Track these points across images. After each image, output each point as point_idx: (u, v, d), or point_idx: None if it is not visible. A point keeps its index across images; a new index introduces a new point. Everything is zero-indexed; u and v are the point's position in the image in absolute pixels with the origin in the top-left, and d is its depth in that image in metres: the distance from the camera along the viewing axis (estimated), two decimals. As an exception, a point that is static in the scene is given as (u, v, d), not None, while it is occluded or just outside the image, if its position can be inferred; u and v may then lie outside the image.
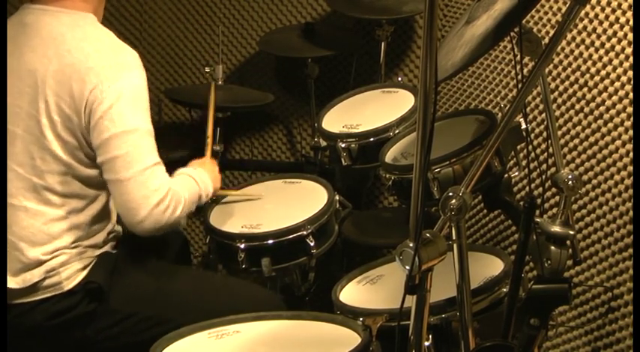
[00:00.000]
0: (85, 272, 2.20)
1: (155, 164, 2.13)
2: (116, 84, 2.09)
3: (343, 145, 2.58)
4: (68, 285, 2.18)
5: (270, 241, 2.40)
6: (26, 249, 2.14)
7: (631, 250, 2.49)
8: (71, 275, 2.18)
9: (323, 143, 2.74)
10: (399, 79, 3.14)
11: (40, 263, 2.15)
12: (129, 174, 2.09)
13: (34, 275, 2.15)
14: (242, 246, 2.39)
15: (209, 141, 2.67)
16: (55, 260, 2.16)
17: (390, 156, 2.45)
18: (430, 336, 1.91)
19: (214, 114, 2.83)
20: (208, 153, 2.62)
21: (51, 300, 2.17)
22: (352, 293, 2.21)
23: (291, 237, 2.40)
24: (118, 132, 2.09)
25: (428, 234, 1.55)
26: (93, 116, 2.09)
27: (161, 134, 3.01)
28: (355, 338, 1.89)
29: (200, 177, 2.34)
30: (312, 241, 2.40)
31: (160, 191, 2.11)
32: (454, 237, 1.64)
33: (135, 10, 3.51)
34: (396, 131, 2.55)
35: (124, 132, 2.09)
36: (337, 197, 2.56)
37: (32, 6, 2.20)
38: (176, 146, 3.40)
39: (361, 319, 1.94)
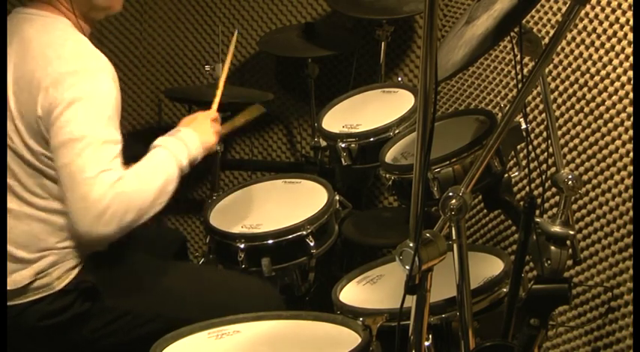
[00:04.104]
0: (76, 271, 2.19)
1: (100, 173, 2.02)
2: (72, 89, 2.04)
3: (343, 145, 2.58)
4: (59, 285, 2.17)
5: (270, 241, 2.40)
6: (13, 251, 2.14)
7: (631, 250, 2.49)
8: (62, 274, 2.17)
9: (323, 143, 2.74)
10: (399, 79, 3.14)
11: (28, 264, 2.14)
12: (71, 184, 2.03)
13: (23, 277, 2.14)
14: (242, 245, 2.39)
15: (218, 92, 2.56)
16: (44, 261, 2.15)
17: (390, 156, 2.46)
18: (430, 336, 1.91)
19: (229, 67, 2.71)
20: (214, 105, 2.51)
21: (44, 301, 2.16)
22: (352, 293, 2.21)
23: (291, 237, 2.40)
24: (64, 140, 2.03)
25: (428, 234, 1.55)
26: (50, 122, 2.05)
27: (161, 134, 3.01)
28: (355, 338, 1.89)
29: (179, 141, 2.23)
30: (312, 241, 2.40)
31: (100, 201, 2.00)
32: (454, 237, 1.64)
33: (135, 10, 3.51)
34: (396, 131, 2.55)
35: (71, 139, 2.03)
36: (337, 197, 2.56)
37: (19, 10, 2.21)
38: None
39: (361, 319, 1.94)
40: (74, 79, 2.06)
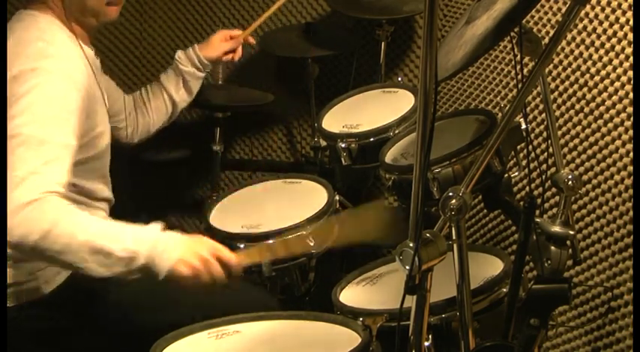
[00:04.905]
0: (65, 275, 2.17)
1: (29, 174, 1.90)
2: (25, 85, 2.00)
3: (343, 145, 2.58)
4: (48, 289, 2.15)
5: (270, 241, 2.40)
6: None
7: (631, 250, 2.49)
8: (49, 278, 2.15)
9: (323, 143, 2.74)
10: (399, 79, 3.14)
11: (10, 261, 2.11)
12: (7, 181, 1.91)
13: (7, 275, 2.11)
14: (242, 245, 2.39)
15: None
16: (27, 262, 2.12)
17: (390, 156, 2.45)
18: (430, 336, 1.91)
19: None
20: (239, 256, 2.11)
21: (35, 306, 2.15)
22: (352, 293, 2.21)
23: (291, 237, 2.40)
24: (8, 135, 1.96)
25: (428, 234, 1.55)
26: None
27: (161, 134, 3.01)
28: (355, 338, 1.89)
29: (152, 238, 1.96)
30: (312, 241, 2.40)
31: (18, 203, 1.85)
32: (454, 237, 1.64)
33: (135, 10, 3.51)
34: (396, 131, 2.55)
35: (11, 136, 1.95)
36: (337, 197, 2.56)
37: (20, 11, 2.22)
38: (176, 146, 3.40)
39: (361, 319, 1.94)
40: (30, 75, 2.02)
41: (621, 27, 2.44)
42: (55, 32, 2.18)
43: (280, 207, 2.58)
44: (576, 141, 2.61)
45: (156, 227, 2.01)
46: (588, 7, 2.49)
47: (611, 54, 2.48)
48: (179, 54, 2.71)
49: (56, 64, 2.09)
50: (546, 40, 2.58)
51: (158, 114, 2.71)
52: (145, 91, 2.72)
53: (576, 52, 2.58)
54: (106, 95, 2.40)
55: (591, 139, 2.56)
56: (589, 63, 2.55)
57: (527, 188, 2.73)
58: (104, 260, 1.90)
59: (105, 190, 2.36)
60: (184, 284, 1.99)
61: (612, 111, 2.49)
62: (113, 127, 2.57)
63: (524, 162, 2.43)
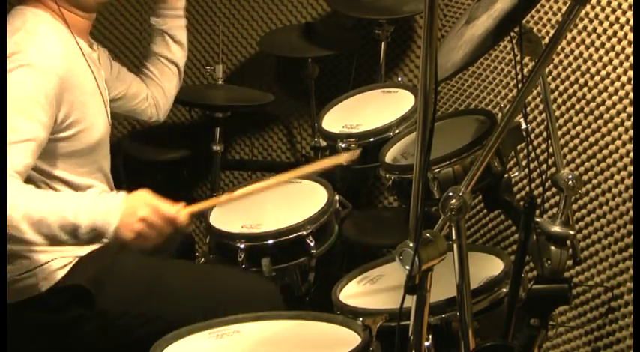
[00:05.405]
0: (63, 272, 2.16)
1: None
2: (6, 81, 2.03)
3: (343, 145, 2.58)
4: (46, 286, 2.14)
5: (270, 241, 2.40)
6: None
7: (631, 250, 2.49)
8: (47, 275, 2.14)
9: (323, 143, 2.74)
10: (399, 79, 3.14)
11: (11, 259, 2.11)
12: None
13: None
14: (242, 245, 2.39)
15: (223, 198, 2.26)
16: (25, 259, 2.12)
17: (390, 156, 2.46)
18: (430, 336, 1.91)
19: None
20: (196, 207, 2.08)
21: (33, 303, 2.14)
22: (352, 293, 2.21)
23: (291, 237, 2.40)
24: None
25: (428, 234, 1.55)
26: None
27: (161, 134, 3.02)
28: (355, 338, 1.89)
29: (90, 203, 1.94)
30: (312, 241, 2.40)
31: None
32: (454, 237, 1.64)
33: (135, 10, 3.51)
34: (396, 131, 2.55)
35: None
36: (337, 197, 2.56)
37: (17, 7, 2.23)
38: (176, 146, 3.40)
39: (361, 319, 1.94)
40: (7, 72, 2.03)
41: (621, 27, 2.44)
42: (39, 24, 2.18)
43: (280, 207, 2.58)
44: (576, 141, 2.61)
45: (93, 194, 2.01)
46: (588, 7, 2.49)
47: (611, 54, 2.48)
48: (153, 19, 2.70)
49: (26, 57, 2.07)
50: (546, 40, 2.58)
51: (168, 79, 2.73)
52: (143, 68, 2.73)
53: (576, 52, 2.58)
54: (119, 82, 2.48)
55: (591, 139, 2.56)
56: (589, 63, 2.55)
57: (527, 188, 2.73)
58: (46, 231, 1.89)
59: (103, 187, 2.36)
60: (133, 247, 1.96)
61: (612, 111, 2.49)
62: (135, 110, 2.66)
63: (524, 162, 2.43)
